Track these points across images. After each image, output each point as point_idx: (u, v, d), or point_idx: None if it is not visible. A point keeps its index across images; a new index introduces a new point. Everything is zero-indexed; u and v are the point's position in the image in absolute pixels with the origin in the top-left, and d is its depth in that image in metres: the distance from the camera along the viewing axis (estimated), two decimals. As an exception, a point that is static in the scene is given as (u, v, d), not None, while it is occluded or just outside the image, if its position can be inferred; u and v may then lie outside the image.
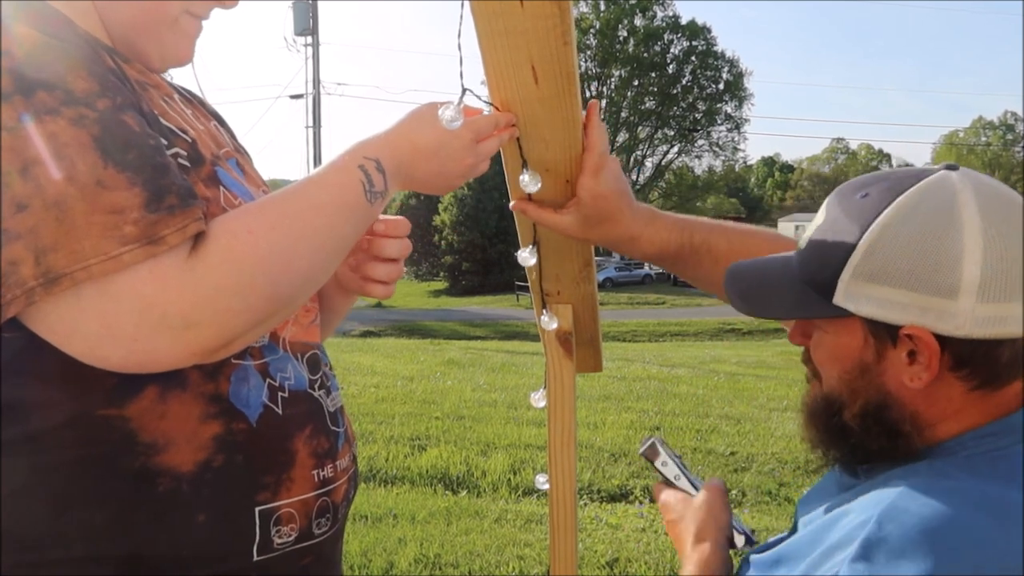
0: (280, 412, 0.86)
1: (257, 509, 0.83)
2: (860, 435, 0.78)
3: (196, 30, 0.92)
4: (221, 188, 0.86)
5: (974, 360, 0.71)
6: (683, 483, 1.02)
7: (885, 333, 0.73)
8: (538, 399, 1.17)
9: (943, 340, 0.70)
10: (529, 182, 0.98)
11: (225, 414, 0.81)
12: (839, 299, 0.75)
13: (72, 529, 0.75)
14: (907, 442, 0.75)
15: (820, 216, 0.80)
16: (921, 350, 0.71)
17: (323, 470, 0.90)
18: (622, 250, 1.07)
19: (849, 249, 0.74)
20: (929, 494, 0.66)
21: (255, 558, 0.82)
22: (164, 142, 0.79)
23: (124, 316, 0.69)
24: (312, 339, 0.97)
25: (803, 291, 0.79)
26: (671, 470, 1.03)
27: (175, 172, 0.75)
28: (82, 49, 0.75)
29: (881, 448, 0.77)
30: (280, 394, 0.87)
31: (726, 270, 0.91)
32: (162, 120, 0.83)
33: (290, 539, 0.85)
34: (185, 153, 0.83)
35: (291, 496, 0.85)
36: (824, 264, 0.76)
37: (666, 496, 1.02)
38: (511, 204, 1.05)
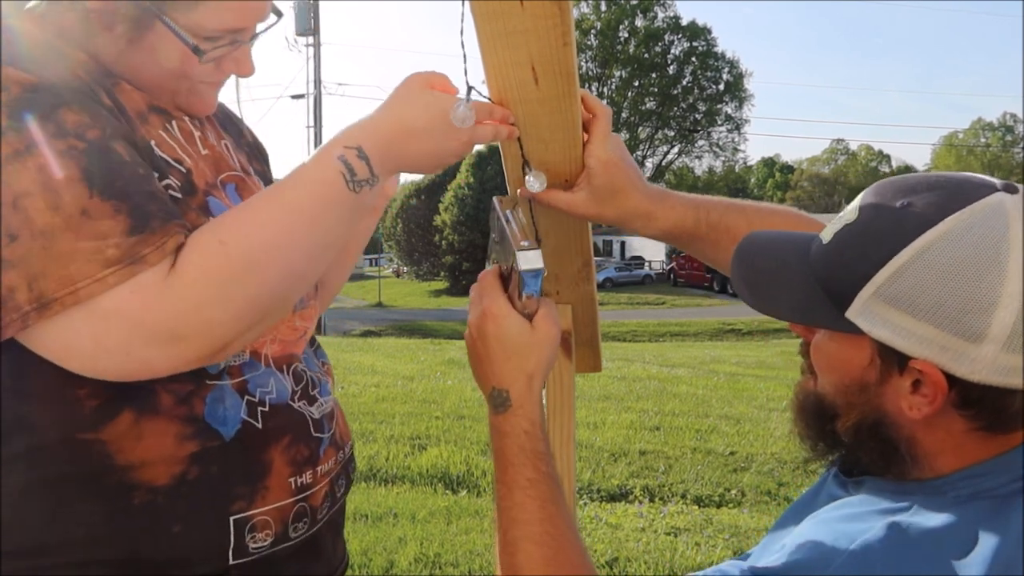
0: (260, 426, 0.89)
1: (232, 518, 0.86)
2: (852, 447, 0.74)
3: (215, 91, 0.96)
4: (210, 218, 0.88)
5: (982, 403, 0.65)
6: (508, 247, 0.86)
7: (894, 359, 0.67)
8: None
9: (954, 378, 0.64)
10: (534, 182, 0.97)
11: (201, 434, 0.84)
12: (853, 314, 0.68)
13: (56, 538, 0.80)
14: (900, 462, 0.71)
15: (851, 213, 0.72)
16: (927, 384, 0.66)
17: (301, 477, 0.93)
18: (635, 227, 1.02)
19: (876, 264, 0.66)
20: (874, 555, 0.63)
21: (231, 561, 0.86)
22: (156, 174, 0.82)
23: (113, 334, 0.73)
24: (297, 351, 0.99)
25: (815, 293, 0.72)
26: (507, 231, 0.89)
27: (161, 198, 0.78)
28: (76, 86, 0.78)
29: (872, 462, 0.73)
30: (260, 408, 0.90)
31: (738, 243, 0.83)
32: (157, 151, 0.86)
33: (266, 543, 0.89)
34: (178, 184, 0.86)
35: (266, 504, 0.89)
36: (845, 271, 0.69)
37: (503, 308, 0.84)
38: (519, 192, 1.01)
